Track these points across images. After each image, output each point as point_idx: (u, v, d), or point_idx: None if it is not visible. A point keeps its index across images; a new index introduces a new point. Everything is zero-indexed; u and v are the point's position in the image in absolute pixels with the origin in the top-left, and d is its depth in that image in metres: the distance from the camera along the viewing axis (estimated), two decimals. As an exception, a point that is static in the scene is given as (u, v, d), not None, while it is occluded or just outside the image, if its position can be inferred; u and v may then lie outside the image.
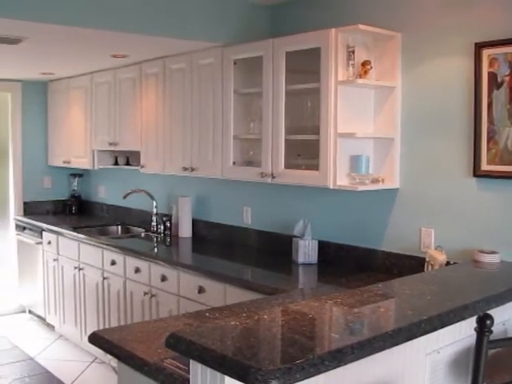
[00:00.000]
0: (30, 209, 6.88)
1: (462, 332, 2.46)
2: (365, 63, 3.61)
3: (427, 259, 3.37)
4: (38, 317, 6.45)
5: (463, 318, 2.29)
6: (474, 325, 2.14)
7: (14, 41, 4.15)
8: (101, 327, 5.03)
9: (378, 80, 3.73)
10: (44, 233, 6.10)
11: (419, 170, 3.64)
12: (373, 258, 3.89)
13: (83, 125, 6.15)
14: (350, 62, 3.58)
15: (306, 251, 4.07)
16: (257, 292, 3.50)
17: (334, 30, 3.56)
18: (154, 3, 4.00)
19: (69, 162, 6.49)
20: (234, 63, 4.28)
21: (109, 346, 2.48)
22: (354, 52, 3.58)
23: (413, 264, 3.60)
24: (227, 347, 1.77)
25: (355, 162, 3.67)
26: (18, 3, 3.50)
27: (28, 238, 6.41)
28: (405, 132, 3.69)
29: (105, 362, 5.18)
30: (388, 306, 2.41)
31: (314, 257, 4.08)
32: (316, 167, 3.71)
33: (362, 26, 3.52)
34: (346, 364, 1.79)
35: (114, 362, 4.22)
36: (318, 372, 1.69)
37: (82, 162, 6.24)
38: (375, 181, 3.71)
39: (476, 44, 3.29)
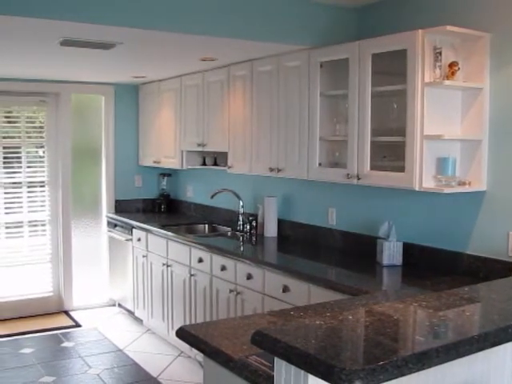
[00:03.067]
0: (121, 207, 7.12)
1: (551, 339, 2.41)
2: (452, 64, 3.57)
3: (515, 264, 3.31)
4: (127, 310, 6.65)
5: (552, 325, 2.25)
6: None
7: (107, 46, 4.31)
8: (187, 322, 5.16)
9: (466, 81, 3.67)
10: (134, 230, 6.30)
11: (507, 173, 3.56)
12: (458, 261, 3.83)
13: (173, 126, 6.32)
14: (437, 64, 3.54)
15: (391, 253, 4.05)
16: (341, 292, 3.52)
17: (420, 31, 3.53)
18: (242, 8, 4.08)
19: (159, 162, 6.68)
20: (321, 65, 4.30)
21: (195, 340, 2.55)
22: (440, 53, 3.53)
23: (499, 268, 3.53)
24: (311, 346, 1.78)
25: (442, 164, 3.63)
26: (113, 10, 3.64)
27: (119, 235, 6.64)
28: (493, 134, 3.62)
29: (190, 357, 5.31)
30: (474, 310, 2.38)
31: (398, 258, 4.06)
32: (402, 169, 3.69)
33: (449, 27, 3.47)
34: (429, 367, 1.78)
35: (199, 356, 4.33)
36: (401, 374, 1.69)
37: (171, 162, 6.41)
38: (462, 183, 3.65)
39: None
